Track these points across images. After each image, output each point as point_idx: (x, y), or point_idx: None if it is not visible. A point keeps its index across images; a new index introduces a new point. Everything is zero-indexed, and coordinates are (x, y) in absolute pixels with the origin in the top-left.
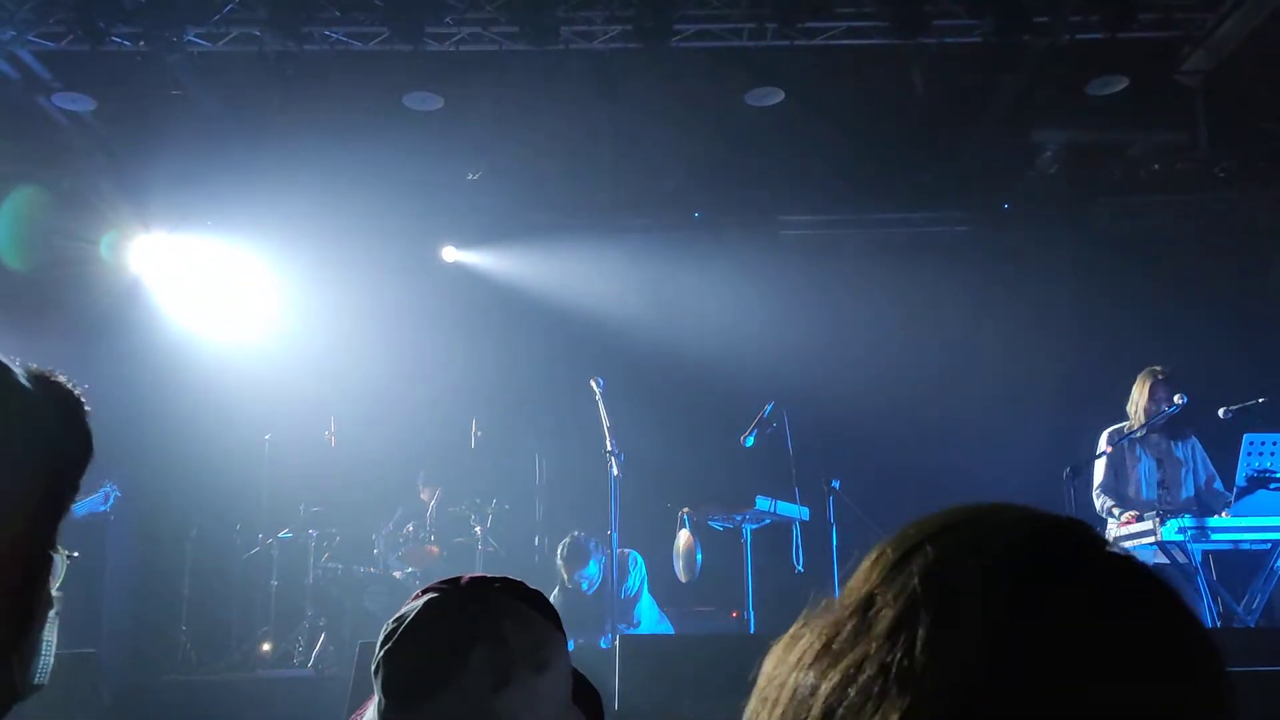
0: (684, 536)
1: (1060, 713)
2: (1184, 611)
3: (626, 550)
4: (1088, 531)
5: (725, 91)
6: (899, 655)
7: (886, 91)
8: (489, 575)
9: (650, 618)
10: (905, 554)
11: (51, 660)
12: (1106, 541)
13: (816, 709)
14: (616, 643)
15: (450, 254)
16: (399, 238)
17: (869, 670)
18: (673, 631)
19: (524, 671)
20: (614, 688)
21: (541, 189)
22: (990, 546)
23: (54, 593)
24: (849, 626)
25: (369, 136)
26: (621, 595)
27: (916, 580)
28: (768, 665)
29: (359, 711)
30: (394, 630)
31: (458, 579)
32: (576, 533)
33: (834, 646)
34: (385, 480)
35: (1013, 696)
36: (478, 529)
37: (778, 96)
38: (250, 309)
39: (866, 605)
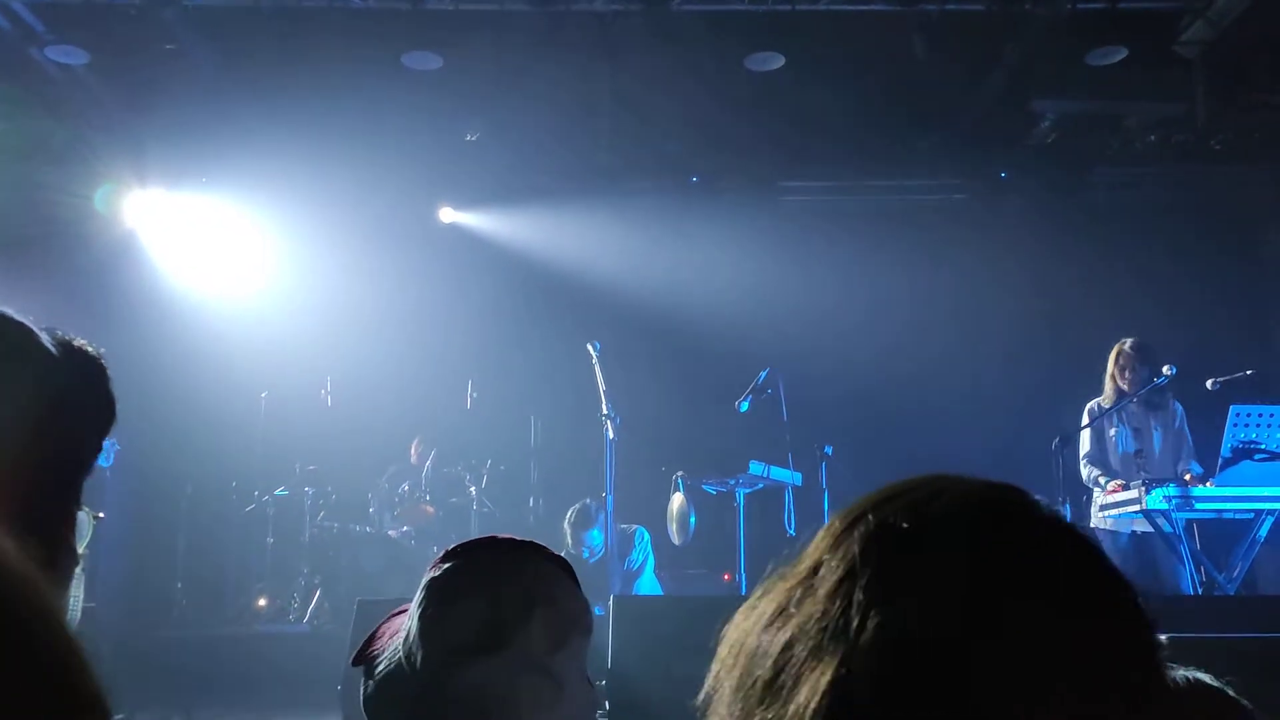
0: (678, 499)
1: (989, 661)
2: (1104, 561)
3: (634, 526)
4: (1020, 496)
5: (725, 56)
6: (836, 614)
7: (887, 58)
8: (519, 538)
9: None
10: (850, 523)
11: (79, 614)
12: (1037, 503)
13: (768, 667)
14: (611, 603)
15: (448, 214)
16: (396, 197)
17: (812, 629)
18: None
19: (576, 635)
20: (608, 648)
21: (540, 151)
22: (925, 513)
23: (81, 550)
24: (799, 591)
25: (367, 95)
26: (625, 567)
27: (856, 545)
28: (730, 630)
29: (387, 626)
30: (445, 580)
31: (494, 538)
32: (587, 500)
33: (786, 610)
34: (381, 440)
35: (941, 648)
36: (472, 489)
37: (778, 62)
38: (246, 266)
39: (814, 570)
